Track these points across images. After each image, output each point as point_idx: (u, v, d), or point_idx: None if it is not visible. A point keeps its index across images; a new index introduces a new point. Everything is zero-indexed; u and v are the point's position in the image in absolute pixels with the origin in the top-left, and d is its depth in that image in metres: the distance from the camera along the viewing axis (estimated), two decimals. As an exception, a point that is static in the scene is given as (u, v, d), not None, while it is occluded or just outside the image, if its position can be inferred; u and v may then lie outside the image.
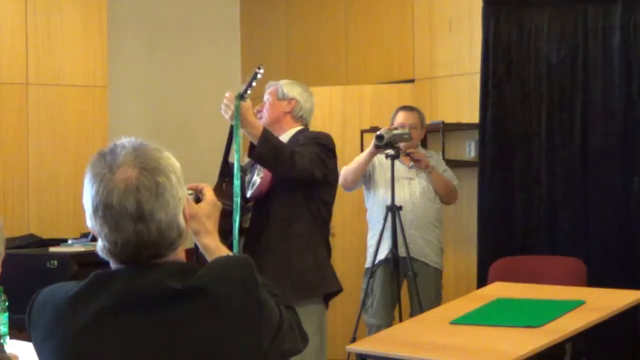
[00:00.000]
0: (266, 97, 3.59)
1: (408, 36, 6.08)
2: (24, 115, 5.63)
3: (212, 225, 1.94)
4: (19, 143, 5.60)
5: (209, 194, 1.97)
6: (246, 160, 3.42)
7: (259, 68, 3.20)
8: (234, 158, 3.29)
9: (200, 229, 1.92)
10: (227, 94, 3.18)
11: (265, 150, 3.16)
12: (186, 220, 1.63)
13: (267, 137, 3.18)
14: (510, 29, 5.18)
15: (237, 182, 3.15)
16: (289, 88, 3.57)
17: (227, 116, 3.19)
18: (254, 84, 3.23)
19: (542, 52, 5.11)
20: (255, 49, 7.17)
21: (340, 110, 5.85)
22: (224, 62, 7.24)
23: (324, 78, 6.39)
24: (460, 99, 5.74)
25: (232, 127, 3.24)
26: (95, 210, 1.57)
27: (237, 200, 3.12)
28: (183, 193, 1.62)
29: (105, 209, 1.55)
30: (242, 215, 3.21)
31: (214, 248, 1.90)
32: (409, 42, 6.07)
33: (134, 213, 1.54)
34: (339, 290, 3.52)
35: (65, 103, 5.78)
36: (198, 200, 1.95)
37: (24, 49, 5.64)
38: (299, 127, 3.54)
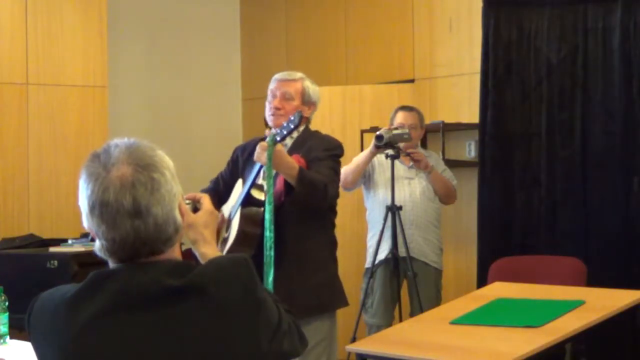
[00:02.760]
0: (286, 92, 3.42)
1: (408, 36, 6.08)
2: (24, 115, 5.63)
3: (209, 234, 1.95)
4: (19, 143, 5.60)
5: (206, 204, 1.98)
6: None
7: (300, 117, 3.13)
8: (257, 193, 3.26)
9: (198, 238, 1.93)
10: (258, 146, 3.13)
11: (303, 189, 3.16)
12: (182, 216, 1.64)
13: (304, 176, 3.15)
14: (510, 29, 5.18)
15: (270, 235, 3.05)
16: (314, 91, 3.47)
17: (261, 162, 3.15)
18: (294, 135, 3.22)
19: (542, 52, 5.11)
20: (255, 49, 7.17)
21: (340, 110, 5.84)
22: (224, 62, 7.24)
23: (324, 78, 6.38)
24: (460, 99, 5.74)
25: (260, 166, 3.19)
26: (91, 209, 1.58)
27: (271, 254, 3.02)
28: (177, 189, 1.63)
29: (102, 207, 1.56)
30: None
31: (212, 256, 1.91)
32: (409, 42, 6.08)
33: (130, 209, 1.55)
34: (345, 305, 3.50)
35: (65, 103, 5.77)
36: (196, 209, 1.97)
37: (24, 49, 5.63)
38: (303, 126, 3.46)
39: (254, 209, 3.22)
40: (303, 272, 3.31)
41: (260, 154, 3.13)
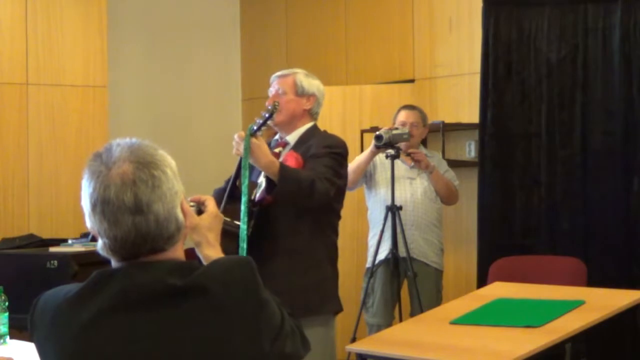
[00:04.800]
0: (279, 88, 3.38)
1: (408, 36, 6.08)
2: (24, 115, 5.63)
3: (213, 237, 1.96)
4: (19, 143, 5.59)
5: (210, 206, 1.98)
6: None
7: (275, 107, 3.12)
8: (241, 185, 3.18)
9: (202, 241, 1.94)
10: (236, 135, 3.10)
11: (286, 187, 3.05)
12: (184, 215, 1.64)
13: (286, 174, 3.06)
14: (510, 29, 5.18)
15: (243, 227, 2.99)
16: (308, 83, 3.40)
17: (239, 153, 3.10)
18: (269, 122, 3.14)
19: (542, 52, 5.11)
20: (255, 49, 7.17)
21: (340, 110, 5.84)
22: (224, 62, 7.24)
23: (324, 78, 6.31)
24: (460, 99, 5.74)
25: (241, 159, 3.12)
26: (93, 206, 1.58)
27: (244, 246, 2.96)
28: (179, 188, 1.63)
29: (104, 204, 1.57)
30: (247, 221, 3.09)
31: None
32: (409, 42, 6.08)
33: (131, 206, 1.56)
34: (338, 310, 3.37)
35: (65, 103, 5.77)
36: (200, 212, 1.97)
37: (24, 49, 5.63)
38: (310, 124, 3.40)
39: (238, 203, 3.13)
40: (293, 270, 3.20)
41: (238, 144, 3.09)
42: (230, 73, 7.25)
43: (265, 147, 3.12)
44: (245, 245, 2.97)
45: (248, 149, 3.03)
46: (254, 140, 3.05)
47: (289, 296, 3.05)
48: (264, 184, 3.21)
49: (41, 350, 1.64)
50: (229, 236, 3.08)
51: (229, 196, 3.23)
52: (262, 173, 3.21)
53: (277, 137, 3.45)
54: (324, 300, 3.29)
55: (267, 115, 3.12)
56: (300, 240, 3.23)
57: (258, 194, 3.23)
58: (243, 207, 3.02)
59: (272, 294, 1.69)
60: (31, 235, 5.41)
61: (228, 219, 3.10)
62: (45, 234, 5.46)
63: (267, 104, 3.34)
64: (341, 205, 3.37)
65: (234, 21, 7.29)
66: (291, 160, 3.23)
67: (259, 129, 3.11)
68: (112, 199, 1.56)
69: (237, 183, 3.24)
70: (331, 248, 3.36)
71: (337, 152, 3.29)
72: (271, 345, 1.60)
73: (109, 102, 5.95)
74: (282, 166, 3.08)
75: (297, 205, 3.18)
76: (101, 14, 5.91)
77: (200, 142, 6.90)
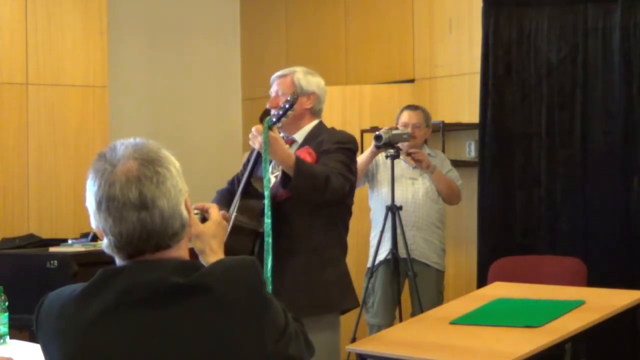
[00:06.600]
0: (278, 90, 3.35)
1: (408, 36, 6.08)
2: (24, 115, 5.63)
3: (217, 244, 1.97)
4: (19, 143, 5.59)
5: (214, 214, 1.99)
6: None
7: (295, 97, 3.07)
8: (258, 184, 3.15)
9: (206, 249, 1.96)
10: (254, 129, 3.03)
11: (301, 182, 3.02)
12: (189, 212, 1.66)
13: (302, 168, 3.02)
14: (510, 29, 5.19)
15: (268, 221, 2.95)
16: (307, 81, 3.36)
17: (256, 147, 3.06)
18: (289, 113, 3.07)
19: (542, 52, 5.11)
20: (255, 49, 7.17)
21: (340, 110, 5.84)
22: (224, 62, 7.24)
23: (323, 78, 6.36)
24: (460, 99, 5.74)
25: (258, 153, 3.08)
26: (98, 204, 1.59)
27: (269, 240, 2.92)
28: (183, 186, 1.64)
29: (109, 201, 1.58)
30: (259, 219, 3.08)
31: None
32: (409, 42, 6.08)
33: (136, 202, 1.57)
34: (355, 306, 3.37)
35: (65, 103, 5.77)
36: (204, 220, 1.97)
37: (24, 49, 5.63)
38: (315, 122, 3.37)
39: (253, 200, 3.14)
40: (312, 267, 3.18)
41: (254, 136, 3.04)
42: (230, 73, 7.25)
43: (282, 140, 3.07)
44: (270, 240, 2.92)
45: (267, 142, 2.97)
46: (270, 133, 2.99)
47: (309, 293, 3.09)
48: (277, 178, 3.17)
49: (46, 350, 1.64)
50: (242, 233, 3.07)
51: (242, 192, 3.20)
52: (271, 167, 3.17)
53: (282, 135, 3.43)
54: (343, 295, 3.28)
55: (287, 106, 3.05)
56: (316, 237, 3.21)
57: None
58: (267, 202, 2.97)
59: (276, 297, 1.69)
60: (31, 235, 5.42)
61: (241, 217, 3.10)
62: (45, 234, 5.46)
63: (267, 105, 3.29)
64: (352, 201, 3.36)
65: (234, 21, 7.29)
66: (304, 155, 3.20)
67: (278, 120, 3.05)
68: (117, 196, 1.57)
69: (252, 179, 3.21)
70: (343, 244, 3.36)
71: (347, 147, 3.27)
72: (274, 345, 1.60)
73: (109, 102, 5.96)
74: (298, 160, 3.04)
75: (311, 200, 3.14)
76: (101, 14, 5.92)
77: (200, 142, 6.91)
